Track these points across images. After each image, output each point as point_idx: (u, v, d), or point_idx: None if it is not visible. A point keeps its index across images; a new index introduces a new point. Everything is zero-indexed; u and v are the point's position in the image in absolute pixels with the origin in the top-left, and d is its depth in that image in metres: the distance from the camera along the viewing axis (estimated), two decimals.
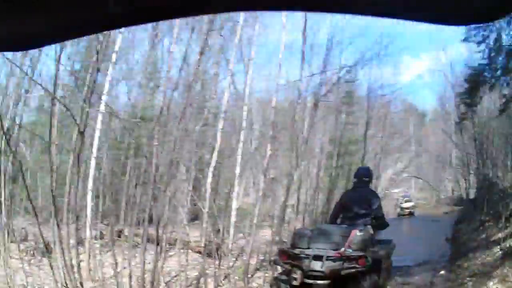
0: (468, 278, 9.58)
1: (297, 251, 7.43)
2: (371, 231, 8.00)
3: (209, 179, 13.38)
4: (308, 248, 7.35)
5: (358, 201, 8.35)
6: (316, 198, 16.27)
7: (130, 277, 8.93)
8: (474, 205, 19.93)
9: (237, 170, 15.00)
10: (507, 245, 9.85)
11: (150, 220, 11.39)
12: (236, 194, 15.53)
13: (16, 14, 0.57)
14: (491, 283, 8.23)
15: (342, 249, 7.16)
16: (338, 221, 8.54)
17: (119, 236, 11.47)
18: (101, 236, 10.94)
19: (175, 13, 0.77)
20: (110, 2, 0.59)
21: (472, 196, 22.84)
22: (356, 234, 7.29)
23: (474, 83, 16.42)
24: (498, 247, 10.30)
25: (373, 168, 20.49)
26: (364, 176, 8.61)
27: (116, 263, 9.26)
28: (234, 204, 14.83)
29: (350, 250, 7.18)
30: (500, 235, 10.89)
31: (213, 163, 14.03)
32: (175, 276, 10.24)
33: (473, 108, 18.25)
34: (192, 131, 14.64)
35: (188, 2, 0.66)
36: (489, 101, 19.72)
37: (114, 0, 0.59)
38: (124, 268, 9.51)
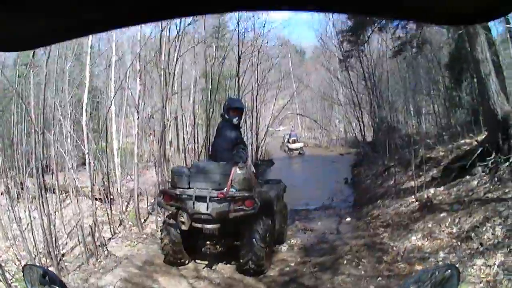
0: (382, 229, 9.26)
1: (178, 191, 7.17)
2: (253, 169, 7.84)
3: (84, 119, 12.08)
4: (189, 188, 7.09)
5: (228, 136, 8.03)
6: (196, 134, 15.58)
7: (32, 231, 8.22)
8: (372, 148, 19.68)
9: (112, 108, 14.43)
10: (425, 196, 9.55)
11: (43, 169, 10.36)
12: (116, 133, 15.05)
13: (15, 14, 0.55)
14: (413, 237, 7.89)
15: (225, 189, 6.89)
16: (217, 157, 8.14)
17: (22, 188, 10.42)
18: (7, 191, 9.85)
19: (175, 13, 0.69)
20: (110, 2, 0.57)
21: (369, 138, 22.60)
22: (237, 172, 7.04)
23: (359, 22, 16.03)
24: (413, 197, 10.00)
25: (251, 103, 20.31)
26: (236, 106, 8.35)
27: (20, 218, 8.49)
28: (115, 145, 14.32)
29: (234, 190, 6.94)
30: (412, 183, 10.57)
31: (85, 100, 12.80)
32: (75, 226, 9.49)
33: (359, 47, 18.05)
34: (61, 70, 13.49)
35: (189, 2, 0.62)
36: (380, 42, 19.65)
37: (114, 0, 0.57)
38: (29, 223, 8.69)
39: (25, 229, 8.32)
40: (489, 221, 6.74)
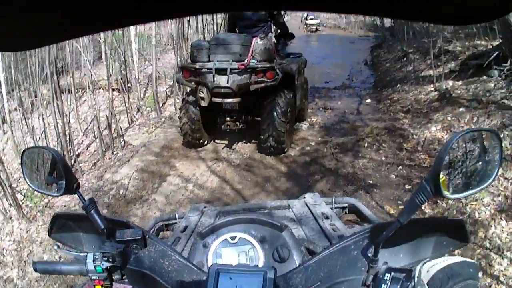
0: (402, 114, 9.33)
1: (197, 65, 7.05)
2: (274, 40, 7.64)
3: None
4: (209, 61, 6.95)
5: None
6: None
7: (46, 137, 8.38)
8: (391, 33, 19.50)
9: None
10: (444, 87, 9.54)
11: (57, 72, 10.00)
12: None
13: (15, 13, 0.54)
14: (433, 128, 7.96)
15: (246, 60, 6.76)
16: (237, 30, 8.11)
17: (36, 96, 10.08)
18: (21, 104, 9.78)
19: (175, 13, 0.64)
20: (110, 2, 0.55)
21: (387, 24, 22.21)
22: (257, 42, 6.90)
23: None
24: (432, 86, 10.02)
25: None
26: None
27: (34, 128, 8.76)
28: (132, 30, 13.57)
29: (255, 61, 6.83)
30: (431, 72, 10.53)
31: None
32: (92, 120, 9.58)
33: None
34: None
35: (189, 1, 0.59)
36: None
37: (114, 0, 0.55)
38: (42, 131, 8.81)
39: (39, 138, 8.38)
40: (506, 129, 6.70)
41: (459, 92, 9.09)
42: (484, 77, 9.01)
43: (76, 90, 10.81)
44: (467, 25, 8.39)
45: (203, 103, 7.16)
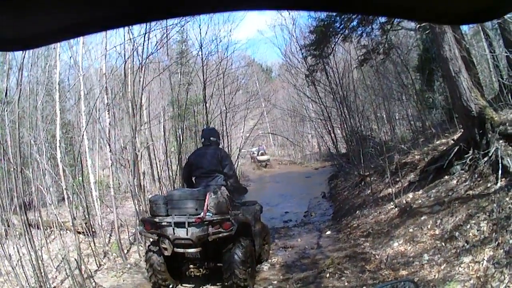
0: (362, 239, 9.31)
1: (157, 219, 7.31)
2: (227, 193, 7.81)
3: (59, 155, 12.20)
4: (168, 215, 7.25)
5: (207, 161, 8.15)
6: (169, 162, 15.64)
7: (23, 266, 8.26)
8: (347, 160, 19.81)
9: (85, 142, 14.22)
10: (403, 201, 9.61)
11: (25, 205, 10.07)
12: (91, 167, 14.74)
13: (15, 13, 0.56)
14: (395, 244, 7.96)
15: (201, 214, 7.02)
16: (192, 182, 8.43)
17: (8, 226, 10.13)
18: None
19: (175, 12, 0.71)
20: (110, 2, 0.57)
21: (343, 150, 22.62)
22: (211, 196, 7.16)
23: (322, 34, 16.17)
24: (392, 203, 10.08)
25: (219, 127, 19.93)
26: (211, 135, 8.46)
27: (10, 255, 8.58)
28: (92, 178, 14.00)
29: (210, 214, 7.07)
30: (390, 190, 10.65)
31: (58, 137, 12.84)
32: (62, 260, 9.53)
33: (324, 60, 18.06)
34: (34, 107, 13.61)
35: (188, 1, 0.63)
36: (344, 52, 19.72)
37: (114, 0, 0.57)
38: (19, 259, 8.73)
39: (16, 265, 8.35)
40: (473, 218, 6.85)
41: (420, 201, 9.24)
42: (446, 177, 9.11)
43: (44, 228, 10.71)
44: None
45: (166, 253, 7.40)
